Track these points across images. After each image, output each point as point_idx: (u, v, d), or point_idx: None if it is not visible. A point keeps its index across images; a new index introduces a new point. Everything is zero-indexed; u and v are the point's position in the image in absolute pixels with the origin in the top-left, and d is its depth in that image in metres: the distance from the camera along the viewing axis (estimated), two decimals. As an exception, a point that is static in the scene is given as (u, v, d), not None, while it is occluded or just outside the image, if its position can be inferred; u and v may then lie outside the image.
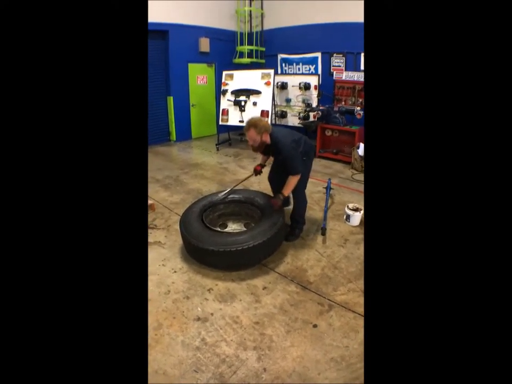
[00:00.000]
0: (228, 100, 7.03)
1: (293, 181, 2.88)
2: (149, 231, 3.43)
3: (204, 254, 2.67)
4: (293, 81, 7.01)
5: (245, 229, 3.19)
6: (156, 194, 4.44)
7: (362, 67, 6.27)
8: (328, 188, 4.19)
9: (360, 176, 5.17)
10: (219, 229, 3.10)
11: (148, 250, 1.35)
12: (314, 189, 4.59)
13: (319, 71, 7.13)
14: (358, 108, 5.91)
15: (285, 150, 2.83)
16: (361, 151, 5.36)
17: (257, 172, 3.31)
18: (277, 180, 3.26)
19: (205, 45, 7.36)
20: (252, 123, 2.85)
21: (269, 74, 6.65)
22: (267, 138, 2.88)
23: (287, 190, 2.91)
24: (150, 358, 1.89)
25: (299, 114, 6.73)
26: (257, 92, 6.70)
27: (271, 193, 3.36)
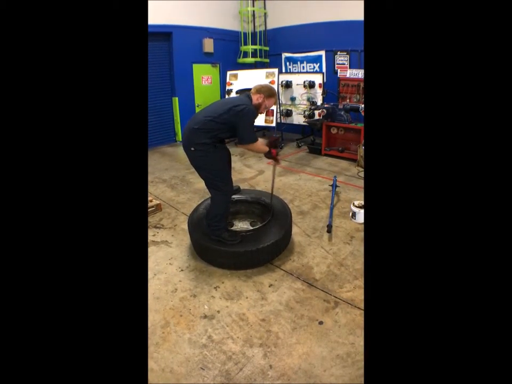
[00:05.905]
0: (232, 99, 7.04)
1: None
2: (156, 230, 3.46)
3: (214, 254, 2.74)
4: (298, 79, 6.98)
5: (251, 227, 3.20)
6: (162, 194, 4.47)
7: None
8: (334, 186, 4.20)
9: (366, 174, 5.13)
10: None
11: (147, 251, 1.35)
12: (320, 186, 4.59)
13: (324, 69, 7.13)
14: (363, 105, 5.87)
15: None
16: None
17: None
18: None
19: (208, 45, 7.37)
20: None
21: (273, 73, 6.66)
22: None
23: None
24: (157, 356, 1.92)
25: (304, 113, 6.70)
26: (262, 91, 6.69)
27: (278, 194, 3.34)
